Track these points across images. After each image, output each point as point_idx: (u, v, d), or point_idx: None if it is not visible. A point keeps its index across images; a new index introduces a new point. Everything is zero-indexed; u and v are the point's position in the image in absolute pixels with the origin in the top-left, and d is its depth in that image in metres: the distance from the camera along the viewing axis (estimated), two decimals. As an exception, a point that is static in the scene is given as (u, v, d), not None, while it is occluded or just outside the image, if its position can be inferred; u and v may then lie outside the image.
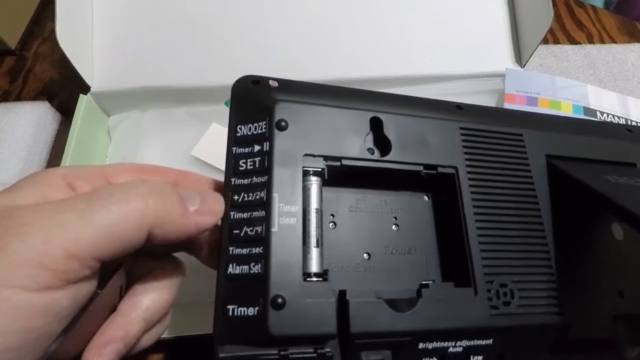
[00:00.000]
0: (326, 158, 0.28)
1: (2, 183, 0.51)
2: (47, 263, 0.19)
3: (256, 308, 0.24)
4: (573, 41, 0.72)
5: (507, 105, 0.56)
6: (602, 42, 0.72)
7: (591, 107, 0.57)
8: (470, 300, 0.27)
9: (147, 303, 0.27)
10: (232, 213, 0.26)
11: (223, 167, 0.50)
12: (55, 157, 0.57)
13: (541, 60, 0.68)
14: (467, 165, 0.30)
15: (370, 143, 0.30)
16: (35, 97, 0.61)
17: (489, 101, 0.59)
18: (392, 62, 0.58)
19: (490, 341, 0.27)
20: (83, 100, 0.51)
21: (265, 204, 0.26)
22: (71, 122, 0.49)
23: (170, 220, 0.23)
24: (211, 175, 0.51)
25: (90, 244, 0.20)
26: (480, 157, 0.31)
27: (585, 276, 0.31)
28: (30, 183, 0.24)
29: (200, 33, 0.56)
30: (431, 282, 0.29)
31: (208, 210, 0.25)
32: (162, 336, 0.30)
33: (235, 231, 0.26)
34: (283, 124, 0.27)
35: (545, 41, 0.69)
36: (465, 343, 0.27)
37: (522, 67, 0.59)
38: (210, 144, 0.54)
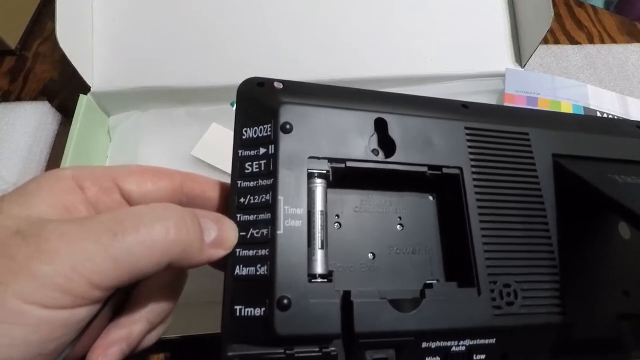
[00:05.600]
0: (331, 160, 0.28)
1: (2, 179, 0.51)
2: (70, 289, 0.20)
3: (262, 309, 0.24)
4: (573, 41, 0.72)
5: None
6: (602, 42, 0.72)
7: (591, 107, 0.57)
8: (474, 300, 0.28)
9: (150, 304, 0.27)
10: (238, 215, 0.26)
11: (223, 167, 0.51)
12: (55, 157, 0.57)
13: (541, 60, 0.68)
14: (472, 166, 0.30)
15: (374, 144, 0.30)
16: (35, 97, 0.61)
17: (488, 101, 0.59)
18: (392, 62, 0.58)
19: (493, 340, 0.28)
20: (83, 100, 0.51)
21: (271, 207, 0.26)
22: (71, 122, 0.49)
23: (188, 255, 0.24)
24: (212, 175, 0.51)
25: (112, 278, 0.21)
26: (485, 157, 0.31)
27: (590, 276, 0.31)
28: (43, 187, 0.24)
29: (201, 33, 0.56)
30: (435, 281, 0.29)
31: (222, 242, 0.25)
32: (166, 335, 0.30)
33: (241, 233, 0.26)
34: (288, 126, 0.27)
35: (545, 41, 0.69)
36: (468, 342, 0.27)
37: (522, 67, 0.59)
38: (210, 144, 0.54)
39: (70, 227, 0.21)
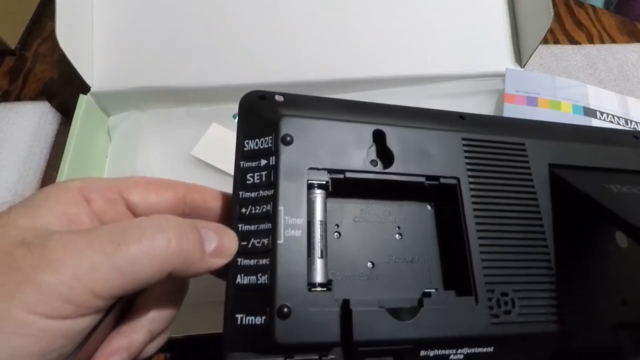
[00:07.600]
0: (330, 171, 0.29)
1: (6, 189, 0.51)
2: (72, 299, 0.20)
3: (263, 317, 0.25)
4: (573, 41, 0.72)
5: (507, 106, 0.56)
6: (602, 42, 0.72)
7: (591, 107, 0.57)
8: (471, 309, 0.28)
9: (152, 314, 0.27)
10: (240, 225, 0.27)
11: (223, 167, 0.51)
12: (55, 157, 0.57)
13: (541, 60, 0.68)
14: (469, 176, 0.31)
15: (373, 155, 0.30)
16: (35, 97, 0.62)
17: (488, 101, 0.59)
18: (392, 62, 0.58)
19: (491, 349, 0.28)
20: (83, 100, 0.51)
21: (272, 217, 0.26)
22: (71, 122, 0.49)
23: (189, 264, 0.24)
24: (212, 175, 0.52)
25: (114, 287, 0.22)
26: (482, 167, 0.31)
27: (588, 285, 0.31)
28: (50, 199, 0.24)
29: (200, 33, 0.56)
30: (433, 290, 0.30)
31: (222, 252, 0.26)
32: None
33: (243, 243, 0.26)
34: (288, 138, 0.28)
35: (545, 41, 0.69)
36: (466, 351, 0.27)
37: (522, 67, 0.60)
38: (210, 144, 0.54)
39: (75, 238, 0.22)
